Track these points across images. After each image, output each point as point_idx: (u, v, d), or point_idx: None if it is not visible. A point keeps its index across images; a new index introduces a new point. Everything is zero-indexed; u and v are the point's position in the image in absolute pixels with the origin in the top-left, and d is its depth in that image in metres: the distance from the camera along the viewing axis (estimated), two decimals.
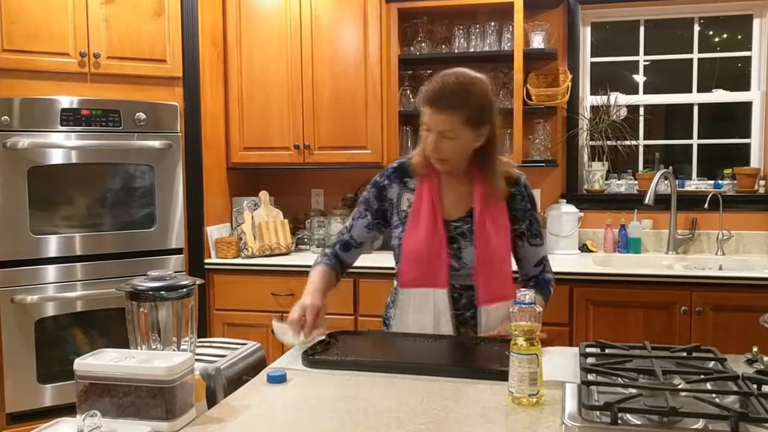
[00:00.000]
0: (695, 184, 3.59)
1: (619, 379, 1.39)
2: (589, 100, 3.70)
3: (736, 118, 3.64)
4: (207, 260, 3.46)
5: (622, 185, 3.65)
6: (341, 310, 3.19)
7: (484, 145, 1.83)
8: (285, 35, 3.57)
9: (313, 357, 1.66)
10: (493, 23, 3.49)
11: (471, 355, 1.74)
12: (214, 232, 3.55)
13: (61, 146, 3.04)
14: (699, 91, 3.62)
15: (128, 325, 1.48)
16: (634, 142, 3.64)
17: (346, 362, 1.63)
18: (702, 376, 1.40)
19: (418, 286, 1.89)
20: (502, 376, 1.44)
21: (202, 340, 1.71)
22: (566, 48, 3.62)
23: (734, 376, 1.37)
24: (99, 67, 3.15)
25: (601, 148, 3.59)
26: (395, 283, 2.01)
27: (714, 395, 1.30)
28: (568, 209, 3.52)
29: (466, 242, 1.87)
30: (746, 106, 3.57)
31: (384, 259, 2.75)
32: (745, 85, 3.57)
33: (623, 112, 3.62)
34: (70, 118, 3.05)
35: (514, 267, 2.03)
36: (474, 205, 1.88)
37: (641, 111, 3.67)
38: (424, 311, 1.88)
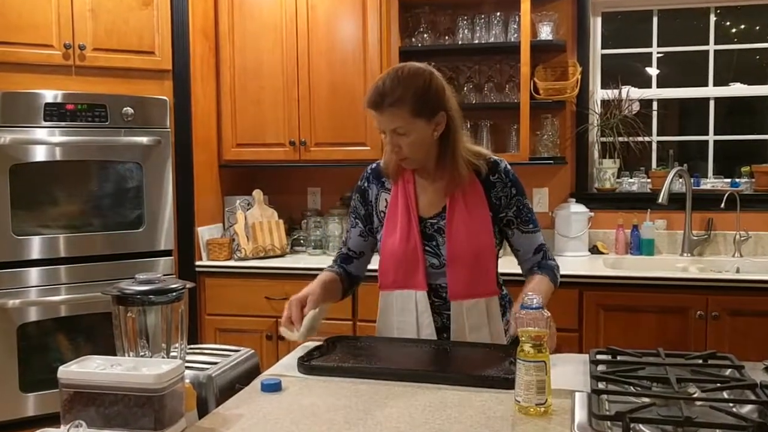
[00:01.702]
0: (711, 183, 3.59)
1: (632, 387, 1.39)
2: (599, 94, 3.70)
3: (755, 113, 3.64)
4: (198, 262, 3.46)
5: (634, 184, 3.65)
6: (339, 315, 3.19)
7: (444, 133, 1.85)
8: (280, 26, 3.57)
9: (310, 363, 1.66)
10: (498, 13, 3.50)
11: (475, 362, 1.74)
12: (205, 232, 3.55)
13: (44, 143, 3.04)
14: (715, 84, 3.62)
15: (115, 330, 1.48)
16: (647, 139, 3.64)
17: (344, 369, 1.64)
18: (718, 385, 1.40)
19: (398, 289, 1.92)
20: (509, 384, 1.44)
21: (192, 346, 1.71)
22: (575, 39, 3.61)
23: (752, 385, 1.37)
24: (84, 60, 3.15)
25: (613, 145, 3.59)
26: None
27: (731, 404, 1.30)
28: (577, 209, 3.52)
29: (443, 238, 1.90)
30: (765, 101, 3.58)
31: None
32: (763, 79, 3.57)
33: (635, 107, 3.62)
34: (54, 113, 3.05)
35: (511, 264, 2.05)
36: (446, 199, 1.90)
37: (654, 105, 3.67)
38: (406, 313, 1.91)
